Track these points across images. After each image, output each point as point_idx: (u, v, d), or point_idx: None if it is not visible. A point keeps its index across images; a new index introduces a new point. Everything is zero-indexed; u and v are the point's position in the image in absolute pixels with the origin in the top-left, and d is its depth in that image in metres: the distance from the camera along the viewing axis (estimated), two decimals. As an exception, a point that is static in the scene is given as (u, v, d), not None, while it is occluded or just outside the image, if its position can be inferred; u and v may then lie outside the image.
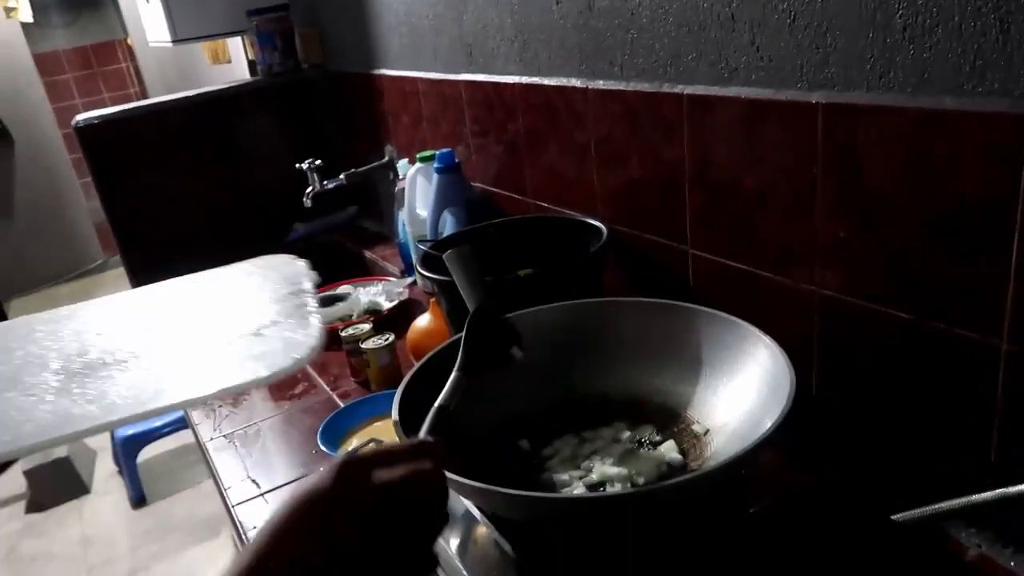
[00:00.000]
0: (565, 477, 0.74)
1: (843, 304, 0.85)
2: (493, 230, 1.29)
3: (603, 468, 0.74)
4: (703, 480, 0.61)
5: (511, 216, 1.36)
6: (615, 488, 0.71)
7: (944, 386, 0.77)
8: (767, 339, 0.75)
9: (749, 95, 0.90)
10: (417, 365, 0.79)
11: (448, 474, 0.62)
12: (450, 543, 0.73)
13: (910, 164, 0.74)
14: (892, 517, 0.73)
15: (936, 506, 0.73)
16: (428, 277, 1.10)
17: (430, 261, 1.13)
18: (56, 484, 2.78)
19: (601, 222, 1.18)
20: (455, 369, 0.71)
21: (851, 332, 0.86)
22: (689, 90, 0.98)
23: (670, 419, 0.82)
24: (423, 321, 1.32)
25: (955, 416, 0.77)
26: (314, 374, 1.41)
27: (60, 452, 2.80)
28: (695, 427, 0.79)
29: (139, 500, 2.72)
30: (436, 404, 0.66)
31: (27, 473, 2.79)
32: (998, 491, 0.69)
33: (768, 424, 0.65)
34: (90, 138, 2.03)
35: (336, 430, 1.11)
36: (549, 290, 1.07)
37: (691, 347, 0.84)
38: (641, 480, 0.72)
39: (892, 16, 0.72)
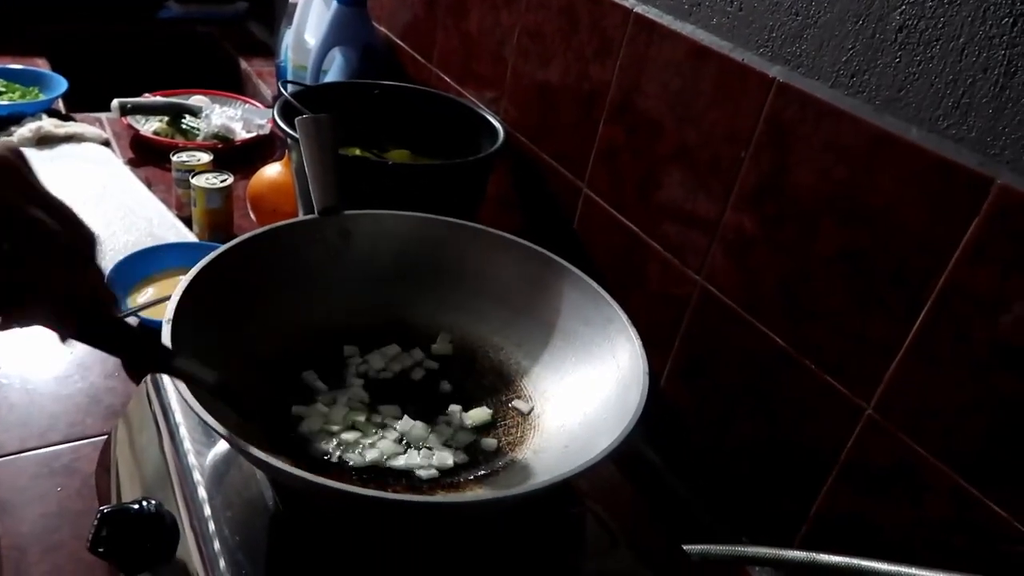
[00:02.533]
0: (350, 437, 0.62)
1: (722, 308, 0.77)
2: (378, 92, 1.10)
3: (405, 425, 0.63)
4: (507, 501, 0.51)
5: (405, 83, 1.17)
6: (407, 460, 0.61)
7: (796, 423, 0.71)
8: (632, 333, 0.65)
9: (703, 40, 0.76)
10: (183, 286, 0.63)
11: (200, 411, 0.49)
12: (204, 466, 0.61)
13: (847, 183, 0.64)
14: (683, 546, 0.68)
15: (737, 548, 0.68)
16: (283, 129, 0.92)
17: (293, 109, 0.94)
18: None
19: (500, 123, 1.03)
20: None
21: (720, 339, 0.78)
22: (640, 8, 0.83)
23: (499, 382, 0.71)
24: (272, 171, 1.13)
25: (795, 459, 0.72)
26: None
27: None
28: (521, 403, 0.69)
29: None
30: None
31: None
32: (809, 554, 0.64)
33: (604, 442, 0.55)
34: None
35: (130, 275, 0.94)
36: (418, 185, 0.92)
37: (549, 309, 0.73)
38: (438, 458, 0.61)
39: (892, 10, 0.60)
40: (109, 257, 1.00)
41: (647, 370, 0.62)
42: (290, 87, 1.00)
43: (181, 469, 0.61)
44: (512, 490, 0.55)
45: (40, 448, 0.75)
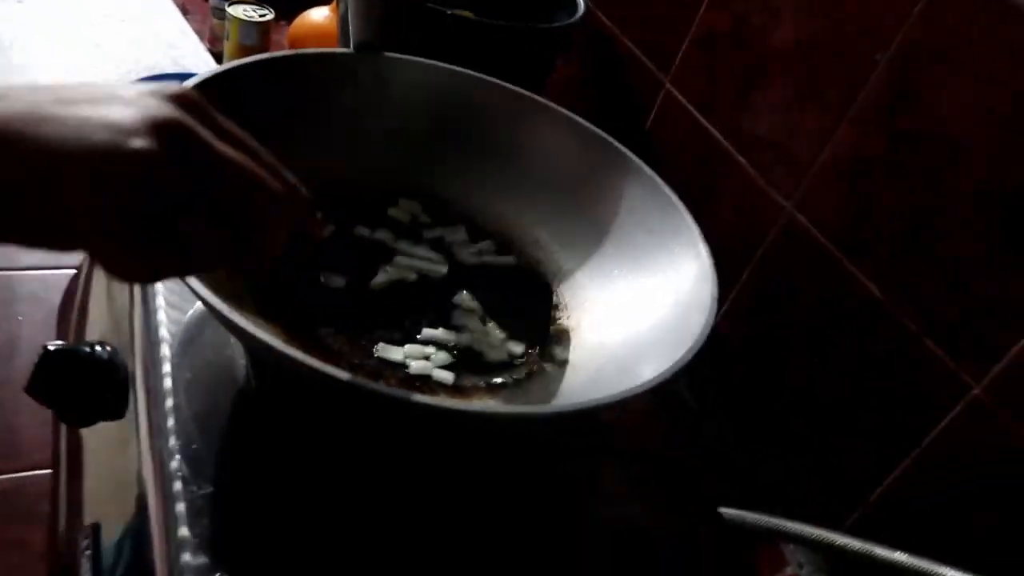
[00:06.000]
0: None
1: (810, 243, 0.64)
2: (449, -60, 0.95)
3: (433, 333, 0.53)
4: (521, 419, 0.41)
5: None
6: (434, 359, 0.51)
7: (876, 390, 0.60)
8: (703, 249, 0.54)
9: (856, -92, 0.61)
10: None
11: (197, 287, 0.38)
12: (175, 320, 0.51)
13: (1016, 107, 0.50)
14: (719, 509, 0.58)
15: (783, 522, 0.58)
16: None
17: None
18: None
19: (583, -4, 0.89)
20: None
21: (800, 279, 0.66)
22: None
23: (535, 288, 0.60)
24: (319, 14, 1.01)
25: (865, 429, 0.61)
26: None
27: None
28: (561, 315, 0.58)
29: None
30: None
31: None
32: (865, 544, 0.54)
33: (648, 370, 0.45)
34: None
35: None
36: (476, 47, 0.79)
37: (605, 208, 0.61)
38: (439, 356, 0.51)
39: None
40: (118, 80, 0.89)
41: (716, 294, 0.50)
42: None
43: (147, 316, 0.52)
44: (528, 407, 0.45)
45: (6, 270, 0.67)
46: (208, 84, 0.53)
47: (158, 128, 0.28)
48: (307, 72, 0.60)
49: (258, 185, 0.32)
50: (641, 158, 0.64)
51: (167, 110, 0.29)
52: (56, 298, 0.66)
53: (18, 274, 0.67)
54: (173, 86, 0.31)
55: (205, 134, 0.30)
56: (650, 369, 0.45)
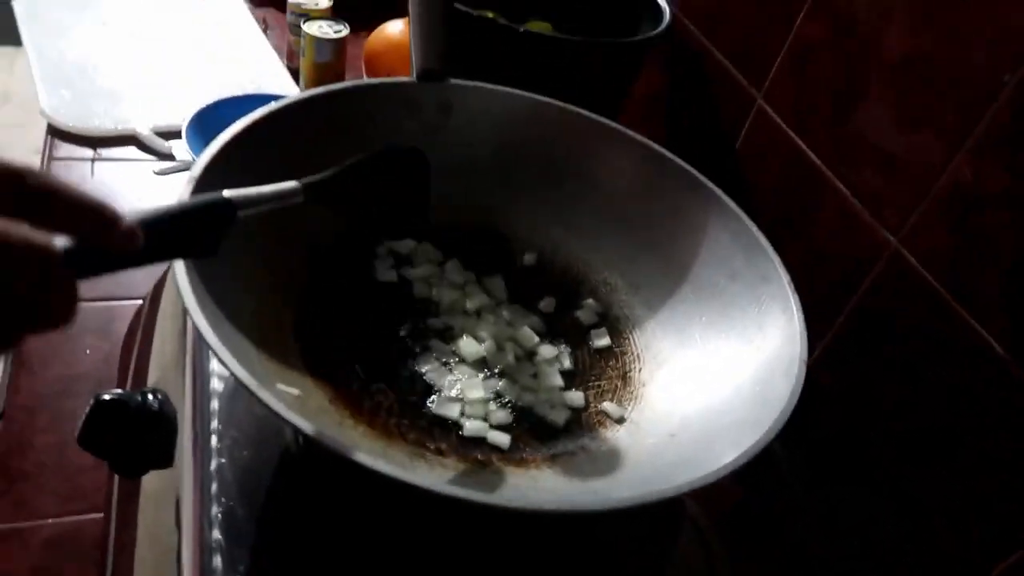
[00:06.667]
0: (431, 365, 0.49)
1: (920, 285, 0.57)
2: (527, -52, 0.91)
3: (472, 387, 0.49)
4: (588, 512, 0.36)
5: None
6: (492, 418, 0.47)
7: (1001, 460, 0.52)
8: (793, 301, 0.48)
9: (983, -94, 0.53)
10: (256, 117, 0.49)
11: (228, 361, 0.35)
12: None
13: None
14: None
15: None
16: (403, -27, 0.75)
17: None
18: None
19: (668, 3, 0.83)
20: (299, 180, 0.42)
21: (907, 324, 0.58)
22: None
23: (607, 328, 0.56)
24: (395, 28, 0.98)
25: (984, 497, 0.53)
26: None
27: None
28: (631, 364, 0.53)
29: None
30: (222, 192, 0.37)
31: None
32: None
33: (726, 445, 0.39)
34: None
35: (210, 125, 0.82)
36: (551, 64, 0.75)
37: (684, 248, 0.55)
38: (499, 416, 0.47)
39: None
40: (202, 100, 0.89)
41: (804, 357, 0.44)
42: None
43: (198, 366, 0.50)
44: (597, 501, 0.40)
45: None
46: (265, 121, 0.51)
47: None
48: (364, 102, 0.57)
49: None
50: (730, 182, 0.59)
51: None
52: (122, 329, 0.66)
53: (86, 305, 0.67)
54: None
55: None
56: (728, 444, 0.40)
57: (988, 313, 0.52)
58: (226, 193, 0.37)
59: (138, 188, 0.80)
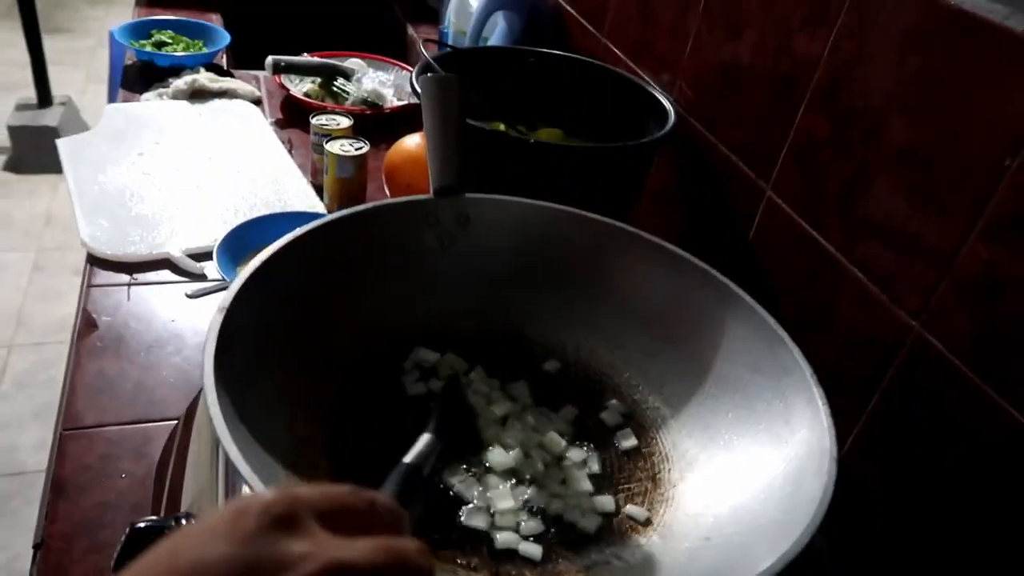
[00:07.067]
0: (460, 484, 0.49)
1: (947, 368, 0.56)
2: (534, 60, 0.96)
3: (503, 497, 0.49)
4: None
5: (569, 52, 1.02)
6: (524, 529, 0.47)
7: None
8: (817, 393, 0.48)
9: (965, 5, 0.55)
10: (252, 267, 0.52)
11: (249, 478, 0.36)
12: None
13: None
14: None
15: None
16: (418, 92, 0.80)
17: (432, 73, 0.82)
18: (38, 150, 2.61)
19: (673, 104, 0.86)
20: (427, 431, 0.48)
21: (938, 409, 0.58)
22: (873, -38, 0.63)
23: (632, 428, 0.56)
24: (412, 141, 1.03)
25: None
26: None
27: (50, 120, 2.61)
28: (660, 464, 0.53)
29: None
30: (406, 461, 0.41)
31: (12, 129, 2.62)
32: None
33: (763, 547, 0.39)
34: None
35: (242, 243, 0.86)
36: (564, 171, 0.77)
37: (705, 345, 0.56)
38: (530, 527, 0.47)
39: None
40: (232, 220, 0.93)
41: (835, 454, 0.44)
42: (433, 49, 0.88)
43: (231, 492, 0.51)
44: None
45: (113, 425, 0.69)
46: (293, 246, 0.53)
47: None
48: (385, 222, 0.59)
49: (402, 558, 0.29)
50: (746, 273, 0.60)
51: (312, 566, 0.26)
52: (157, 451, 0.67)
53: (121, 428, 0.69)
54: (269, 504, 0.28)
55: (347, 555, 0.27)
56: (764, 547, 0.39)
57: (1019, 394, 0.51)
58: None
59: (172, 310, 0.83)
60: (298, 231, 0.55)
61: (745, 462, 0.49)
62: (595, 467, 0.53)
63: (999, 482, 0.53)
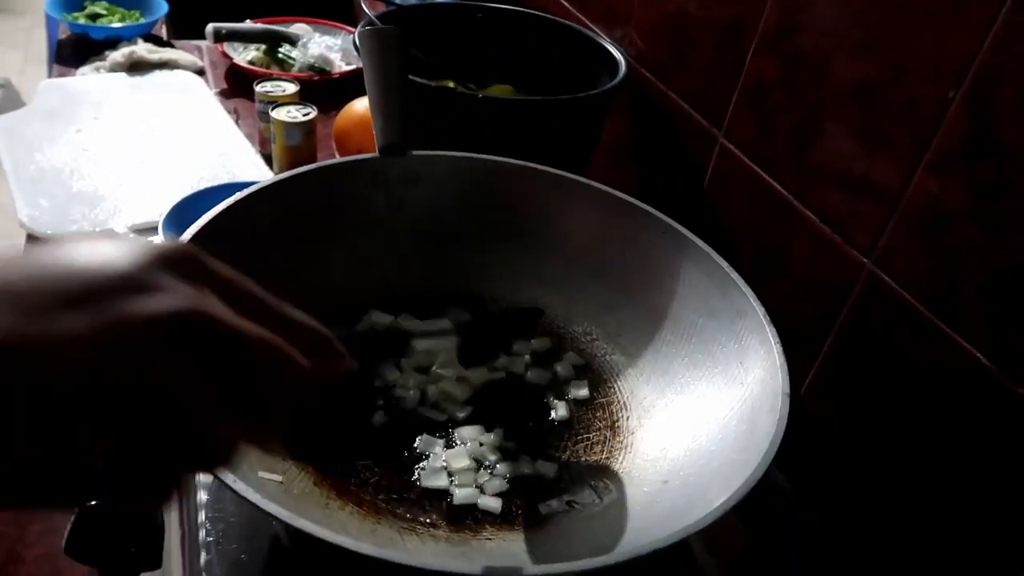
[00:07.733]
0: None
1: (898, 304, 0.57)
2: (482, 16, 0.94)
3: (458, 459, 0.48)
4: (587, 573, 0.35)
5: (518, 6, 1.00)
6: (487, 487, 0.46)
7: (992, 467, 0.51)
8: (770, 333, 0.48)
9: (906, -65, 0.55)
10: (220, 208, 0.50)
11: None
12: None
13: None
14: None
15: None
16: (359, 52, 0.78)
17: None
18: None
19: (623, 54, 0.85)
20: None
21: (891, 346, 0.58)
22: (816, -102, 0.62)
23: (590, 379, 0.55)
24: (362, 105, 1.00)
25: (990, 523, 0.52)
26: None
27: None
28: (618, 413, 0.53)
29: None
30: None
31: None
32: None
33: (718, 486, 0.39)
34: None
35: (189, 216, 0.83)
36: (516, 126, 0.76)
37: (661, 292, 0.56)
38: (494, 485, 0.46)
39: None
40: (178, 194, 0.90)
41: (787, 391, 0.44)
42: (380, 8, 0.85)
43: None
44: (591, 562, 0.39)
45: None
46: (228, 211, 0.52)
47: (171, 327, 0.23)
48: (330, 183, 0.58)
49: (286, 362, 0.27)
50: (701, 220, 0.59)
51: (179, 301, 0.24)
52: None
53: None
54: (166, 247, 0.26)
55: (221, 313, 0.25)
56: (720, 487, 0.39)
57: (970, 327, 0.52)
58: None
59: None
60: (236, 196, 0.53)
61: (702, 405, 0.49)
62: (561, 412, 0.53)
63: (953, 415, 0.54)
